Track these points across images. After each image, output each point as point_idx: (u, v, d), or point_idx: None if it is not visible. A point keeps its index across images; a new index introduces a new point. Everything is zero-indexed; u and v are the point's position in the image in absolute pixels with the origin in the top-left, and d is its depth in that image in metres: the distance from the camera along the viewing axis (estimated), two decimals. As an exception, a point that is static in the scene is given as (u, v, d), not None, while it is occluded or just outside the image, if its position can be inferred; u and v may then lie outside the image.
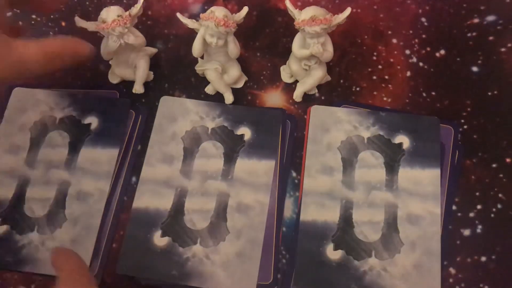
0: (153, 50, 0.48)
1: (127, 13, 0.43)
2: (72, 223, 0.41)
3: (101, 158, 0.44)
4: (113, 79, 0.48)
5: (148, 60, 0.47)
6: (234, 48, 0.44)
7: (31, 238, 0.41)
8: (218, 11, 0.41)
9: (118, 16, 0.42)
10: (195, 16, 0.50)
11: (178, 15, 0.44)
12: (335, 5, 0.51)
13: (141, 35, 0.45)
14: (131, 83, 0.47)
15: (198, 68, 0.47)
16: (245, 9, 0.43)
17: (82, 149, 0.44)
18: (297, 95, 0.46)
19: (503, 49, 0.48)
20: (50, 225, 0.41)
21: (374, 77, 0.47)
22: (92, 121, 0.45)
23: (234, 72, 0.46)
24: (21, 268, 0.40)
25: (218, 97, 0.47)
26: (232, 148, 0.44)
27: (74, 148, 0.44)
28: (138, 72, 0.46)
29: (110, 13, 0.42)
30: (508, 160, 0.43)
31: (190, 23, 0.43)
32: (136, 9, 0.43)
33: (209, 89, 0.47)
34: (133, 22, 0.44)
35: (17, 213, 0.42)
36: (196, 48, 0.43)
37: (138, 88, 0.47)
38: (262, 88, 0.47)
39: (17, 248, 0.41)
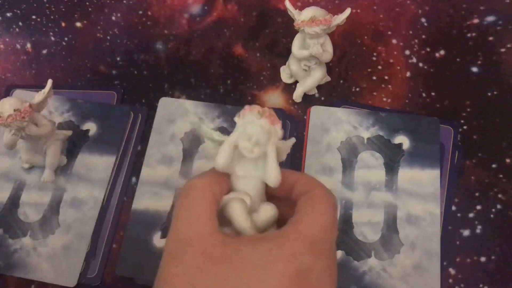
0: (67, 134, 0.44)
1: (27, 104, 0.38)
2: (65, 230, 0.41)
3: (98, 165, 0.43)
4: (25, 164, 0.43)
5: (60, 145, 0.43)
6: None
7: (24, 242, 0.41)
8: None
9: (15, 110, 0.37)
10: (194, 16, 0.50)
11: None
12: (335, 6, 0.51)
13: (48, 123, 0.40)
14: (131, 84, 0.47)
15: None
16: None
17: (79, 155, 0.44)
18: (297, 95, 0.46)
19: (503, 50, 0.48)
20: (43, 230, 0.41)
21: (374, 78, 0.47)
22: (91, 127, 0.45)
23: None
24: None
25: (217, 98, 0.47)
26: (232, 149, 0.44)
27: (71, 154, 0.44)
28: (48, 159, 0.42)
29: (6, 106, 0.37)
30: (507, 160, 0.43)
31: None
32: (39, 97, 0.39)
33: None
34: (41, 108, 0.40)
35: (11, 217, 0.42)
36: (222, 157, 0.28)
37: (46, 177, 0.42)
38: (262, 88, 0.47)
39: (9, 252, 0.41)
